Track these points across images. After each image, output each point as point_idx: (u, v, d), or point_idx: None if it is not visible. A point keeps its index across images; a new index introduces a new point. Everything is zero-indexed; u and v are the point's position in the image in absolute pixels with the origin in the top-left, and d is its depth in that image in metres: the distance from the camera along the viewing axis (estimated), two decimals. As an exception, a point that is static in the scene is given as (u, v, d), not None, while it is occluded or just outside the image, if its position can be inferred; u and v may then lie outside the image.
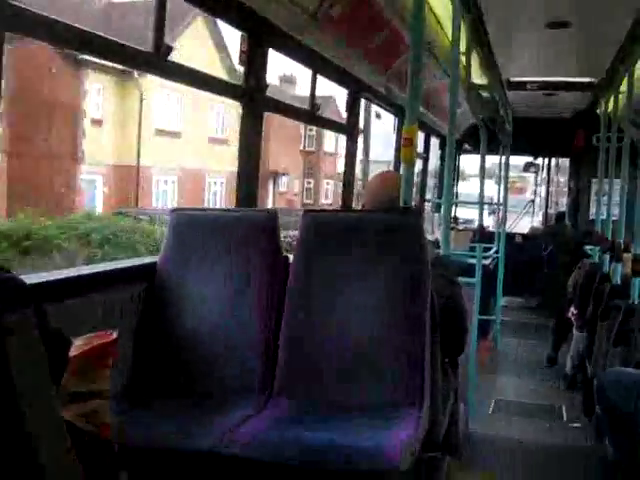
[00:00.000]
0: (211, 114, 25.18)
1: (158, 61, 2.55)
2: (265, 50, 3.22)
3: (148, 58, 2.52)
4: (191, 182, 24.62)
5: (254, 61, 3.16)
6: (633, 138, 5.06)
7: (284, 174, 32.10)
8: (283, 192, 32.61)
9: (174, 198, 23.85)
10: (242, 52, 3.14)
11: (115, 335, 1.66)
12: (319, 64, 3.81)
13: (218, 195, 26.04)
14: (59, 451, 1.21)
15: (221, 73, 17.22)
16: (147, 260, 2.84)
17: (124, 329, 2.54)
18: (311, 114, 3.84)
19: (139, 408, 2.35)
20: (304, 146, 33.47)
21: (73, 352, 1.59)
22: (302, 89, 23.59)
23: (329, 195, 34.06)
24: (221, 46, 22.69)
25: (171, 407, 2.38)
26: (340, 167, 31.98)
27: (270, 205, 27.71)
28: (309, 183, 33.93)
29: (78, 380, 1.59)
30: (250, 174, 3.28)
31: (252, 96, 3.17)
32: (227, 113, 24.20)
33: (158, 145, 23.04)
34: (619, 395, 2.99)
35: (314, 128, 27.50)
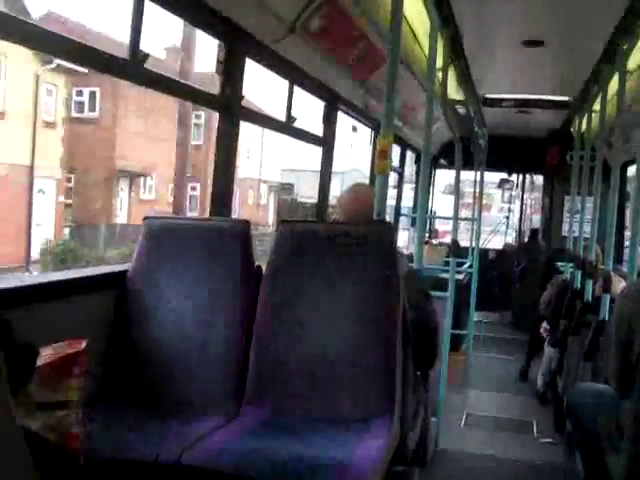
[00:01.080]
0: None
1: (135, 68, 2.54)
2: (242, 60, 3.22)
3: (125, 65, 2.51)
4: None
5: (231, 71, 3.15)
6: (605, 157, 5.12)
7: (143, 175, 24.70)
8: (148, 200, 25.14)
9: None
10: (219, 61, 3.14)
11: (84, 344, 1.64)
12: (296, 75, 3.82)
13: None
14: (17, 466, 1.18)
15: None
16: (118, 268, 2.81)
17: (94, 338, 2.51)
18: (287, 125, 3.84)
19: (108, 418, 2.31)
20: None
21: (41, 361, 1.57)
22: (204, 65, 19.31)
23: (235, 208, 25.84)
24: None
25: (141, 417, 2.35)
26: (248, 171, 28.06)
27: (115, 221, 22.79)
28: (194, 189, 25.28)
29: (45, 390, 1.58)
30: (226, 183, 3.27)
31: (229, 105, 3.17)
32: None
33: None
34: (587, 411, 3.02)
35: (202, 113, 23.87)
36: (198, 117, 24.14)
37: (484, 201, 8.60)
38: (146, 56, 2.54)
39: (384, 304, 2.39)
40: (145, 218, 2.81)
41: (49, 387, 1.56)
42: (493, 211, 14.61)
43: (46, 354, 1.58)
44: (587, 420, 3.02)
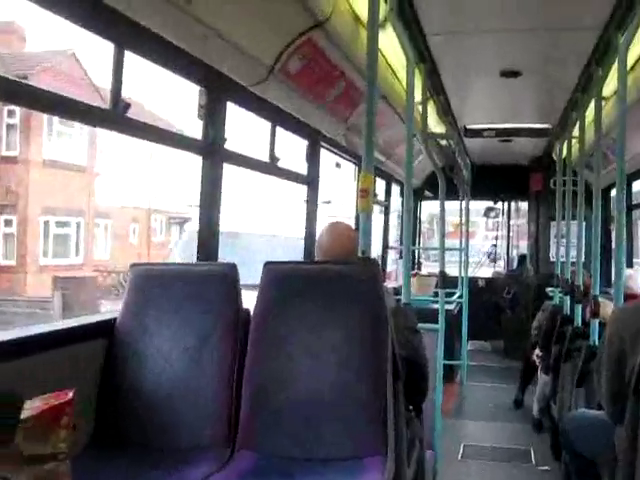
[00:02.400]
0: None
1: (116, 117, 2.57)
2: (223, 104, 3.26)
3: (107, 115, 2.53)
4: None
5: (213, 115, 3.19)
6: (587, 181, 5.18)
7: None
8: None
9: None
10: (200, 106, 3.18)
11: (71, 394, 1.64)
12: (277, 116, 3.86)
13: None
14: None
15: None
16: (107, 316, 2.81)
17: (84, 387, 2.51)
18: (271, 165, 3.87)
19: (99, 468, 2.30)
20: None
21: (28, 413, 1.56)
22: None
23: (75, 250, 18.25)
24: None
25: (132, 466, 2.33)
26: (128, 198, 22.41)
27: None
28: (9, 224, 17.64)
29: (34, 442, 1.57)
30: (211, 226, 3.28)
31: (212, 149, 3.20)
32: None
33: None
34: (582, 437, 3.01)
35: (16, 109, 16.22)
36: (11, 115, 16.27)
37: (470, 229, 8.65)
38: (128, 105, 2.57)
39: (372, 341, 2.40)
40: (132, 265, 2.83)
41: (37, 439, 1.55)
42: (477, 239, 14.60)
43: (33, 406, 1.57)
44: (582, 447, 3.01)
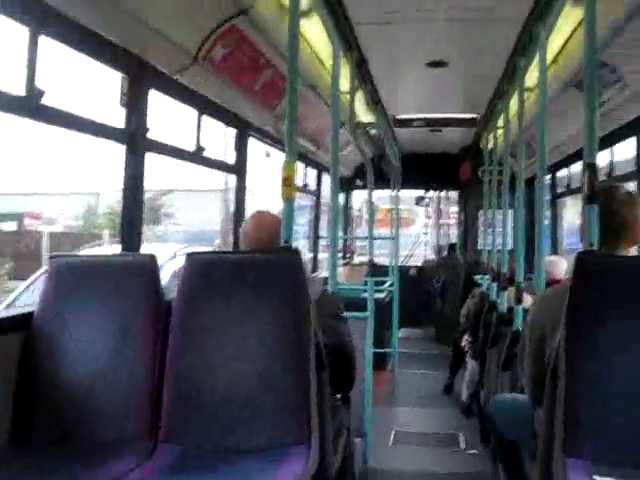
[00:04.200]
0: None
1: (31, 104, 2.48)
2: (146, 92, 3.20)
3: (21, 102, 2.45)
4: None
5: (135, 103, 3.13)
6: (513, 170, 5.28)
7: None
8: None
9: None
10: (123, 94, 3.11)
11: None
12: (203, 105, 3.81)
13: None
14: None
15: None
16: (23, 310, 2.73)
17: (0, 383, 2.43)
18: (197, 154, 3.82)
19: (19, 466, 2.24)
20: None
21: None
22: None
23: None
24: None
25: (53, 463, 2.28)
26: None
27: None
28: None
29: None
30: (134, 216, 3.23)
31: (134, 138, 3.14)
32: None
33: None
34: (505, 420, 3.07)
35: None
36: None
37: (407, 216, 8.75)
38: (42, 92, 2.49)
39: (295, 330, 2.39)
40: (51, 257, 2.75)
41: None
42: (417, 227, 14.72)
43: None
44: (505, 429, 3.08)
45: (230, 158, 4.52)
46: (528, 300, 3.90)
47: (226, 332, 2.45)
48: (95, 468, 2.21)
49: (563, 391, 2.13)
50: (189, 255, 2.61)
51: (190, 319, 2.50)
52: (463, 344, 5.88)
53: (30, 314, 2.62)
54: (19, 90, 2.44)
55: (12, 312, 2.76)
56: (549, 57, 3.63)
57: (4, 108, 2.42)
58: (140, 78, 3.13)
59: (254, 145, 4.86)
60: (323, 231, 7.67)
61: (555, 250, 7.01)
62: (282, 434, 2.33)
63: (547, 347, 2.41)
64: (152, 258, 2.70)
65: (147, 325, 2.56)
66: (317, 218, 7.65)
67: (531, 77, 4.19)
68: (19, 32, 2.45)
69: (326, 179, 7.46)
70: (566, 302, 2.12)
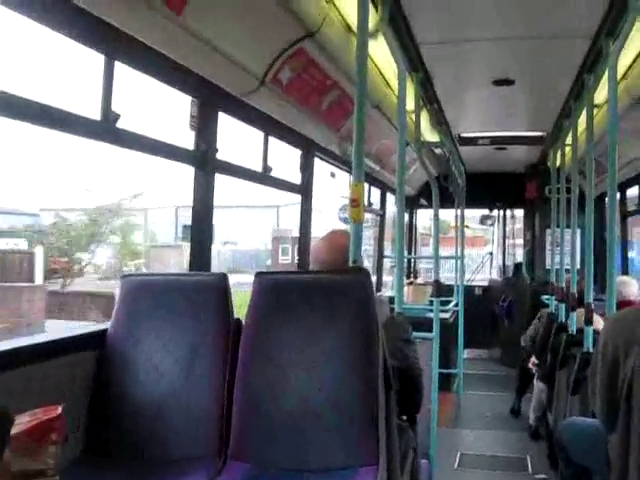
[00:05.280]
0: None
1: (107, 129, 2.57)
2: (215, 114, 3.27)
3: (97, 126, 2.53)
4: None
5: (205, 125, 3.20)
6: (581, 188, 5.18)
7: None
8: None
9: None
10: (192, 117, 3.18)
11: (60, 410, 1.63)
12: (270, 126, 3.87)
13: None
14: None
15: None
16: (97, 327, 2.81)
17: (75, 399, 2.50)
18: (264, 175, 3.88)
19: (89, 479, 2.29)
20: None
21: (17, 428, 1.56)
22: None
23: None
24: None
25: (124, 478, 2.33)
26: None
27: None
28: None
29: (22, 458, 1.56)
30: (204, 236, 3.29)
31: (204, 160, 3.20)
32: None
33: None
34: (576, 446, 3.01)
35: None
36: None
37: (482, 235, 8.65)
38: (118, 116, 2.57)
39: (363, 352, 2.39)
40: (123, 276, 2.83)
41: (26, 455, 1.55)
42: (489, 247, 14.40)
43: (22, 421, 1.57)
44: (576, 455, 3.01)
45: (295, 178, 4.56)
46: (599, 321, 3.81)
47: (295, 351, 2.47)
48: None
49: (638, 417, 2.08)
50: (258, 274, 2.65)
51: (260, 337, 2.53)
52: (530, 366, 5.77)
53: (104, 331, 2.69)
54: (95, 115, 2.53)
55: (88, 330, 2.83)
56: (619, 72, 3.56)
57: (82, 132, 2.51)
58: (209, 101, 3.20)
59: (318, 165, 4.90)
60: (387, 250, 7.66)
61: (625, 270, 6.83)
62: (350, 454, 2.33)
63: (620, 370, 2.36)
64: (224, 277, 2.74)
65: (217, 343, 2.59)
66: (381, 238, 7.64)
67: (600, 93, 4.12)
68: (95, 58, 2.54)
69: (390, 198, 7.46)
70: None
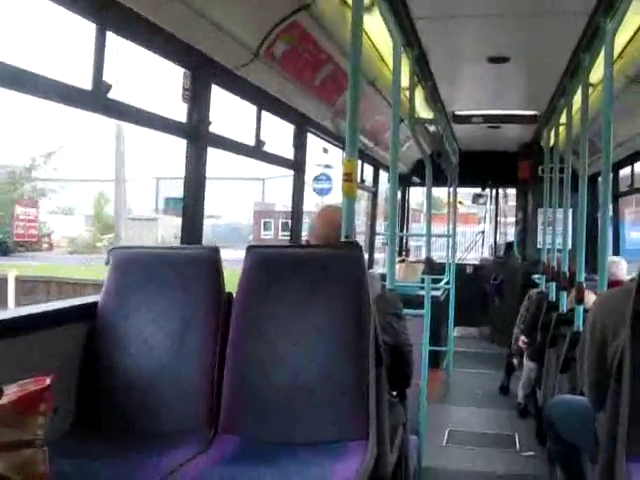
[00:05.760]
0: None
1: (98, 99, 2.54)
2: (208, 87, 3.24)
3: (89, 96, 2.50)
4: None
5: (197, 98, 3.17)
6: (574, 168, 5.18)
7: None
8: None
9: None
10: (185, 89, 3.15)
11: (49, 380, 1.62)
12: (263, 100, 3.84)
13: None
14: None
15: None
16: (88, 300, 2.80)
17: (65, 371, 2.49)
18: (256, 149, 3.85)
19: (80, 453, 2.29)
20: None
21: (5, 399, 1.55)
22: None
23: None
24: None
25: (114, 451, 2.33)
26: None
27: None
28: None
29: (10, 429, 1.55)
30: (196, 210, 3.27)
31: (196, 133, 3.18)
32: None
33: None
34: (564, 423, 3.03)
35: None
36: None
37: (473, 213, 8.64)
38: (109, 87, 2.54)
39: (354, 326, 2.39)
40: (112, 248, 2.81)
41: (13, 426, 1.54)
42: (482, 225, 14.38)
43: (10, 392, 1.56)
44: (565, 433, 3.03)
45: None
46: (590, 300, 3.82)
47: (286, 325, 2.47)
48: (155, 457, 2.25)
49: (627, 394, 2.09)
50: (249, 248, 2.64)
51: (251, 311, 2.53)
52: (520, 344, 5.80)
53: (95, 304, 2.68)
54: (86, 84, 2.50)
55: (78, 302, 2.82)
56: (615, 51, 3.54)
57: (72, 102, 2.48)
58: (202, 73, 3.17)
59: (312, 141, 4.88)
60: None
61: (616, 250, 6.85)
62: (340, 429, 2.34)
63: (609, 350, 2.36)
64: (215, 250, 2.73)
65: (208, 316, 2.59)
66: (374, 215, 7.63)
67: (595, 72, 4.10)
68: (87, 28, 2.50)
69: (382, 175, 7.44)
70: (631, 303, 2.07)
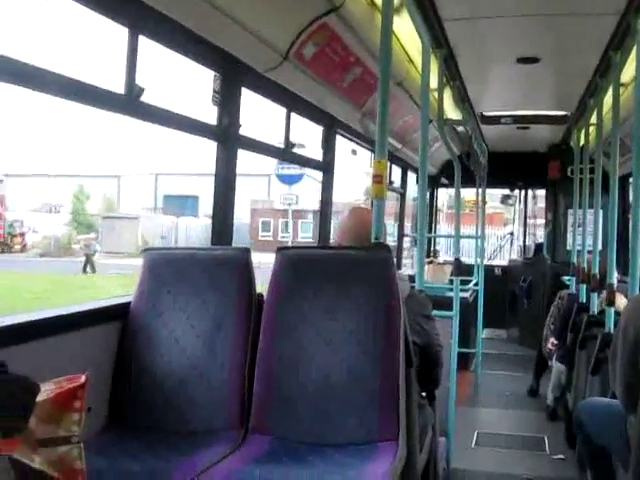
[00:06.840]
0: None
1: (131, 102, 2.57)
2: (238, 89, 3.26)
3: (120, 100, 2.54)
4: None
5: (227, 101, 3.19)
6: (605, 169, 5.13)
7: None
8: None
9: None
10: (215, 92, 3.18)
11: (84, 378, 1.65)
12: (292, 102, 3.86)
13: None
14: None
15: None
16: (121, 300, 2.84)
17: (99, 370, 2.53)
18: (286, 151, 3.87)
19: (114, 451, 2.33)
20: None
21: (42, 396, 1.58)
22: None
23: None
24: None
25: (147, 449, 2.36)
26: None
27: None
28: None
29: (47, 425, 1.58)
30: (226, 211, 3.30)
31: (227, 135, 3.20)
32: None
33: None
34: (595, 426, 3.00)
35: None
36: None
37: (499, 213, 8.57)
38: (142, 90, 2.58)
39: (384, 327, 2.40)
40: (145, 249, 2.85)
41: (50, 423, 1.57)
42: (509, 226, 14.28)
43: (47, 389, 1.59)
44: (595, 436, 3.01)
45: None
46: (621, 302, 3.79)
47: (317, 326, 2.49)
48: (187, 456, 2.28)
49: None
50: (280, 249, 2.66)
51: (282, 312, 2.55)
52: (550, 346, 5.76)
53: (127, 304, 2.72)
54: (119, 88, 2.53)
55: (112, 302, 2.86)
56: None
57: (106, 106, 2.52)
58: (232, 76, 3.19)
59: (340, 142, 4.88)
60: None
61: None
62: (370, 429, 2.35)
63: None
64: (246, 251, 2.76)
65: (239, 317, 2.62)
66: (402, 216, 7.61)
67: (627, 71, 4.06)
68: (119, 32, 2.54)
69: (411, 177, 7.42)
70: None
